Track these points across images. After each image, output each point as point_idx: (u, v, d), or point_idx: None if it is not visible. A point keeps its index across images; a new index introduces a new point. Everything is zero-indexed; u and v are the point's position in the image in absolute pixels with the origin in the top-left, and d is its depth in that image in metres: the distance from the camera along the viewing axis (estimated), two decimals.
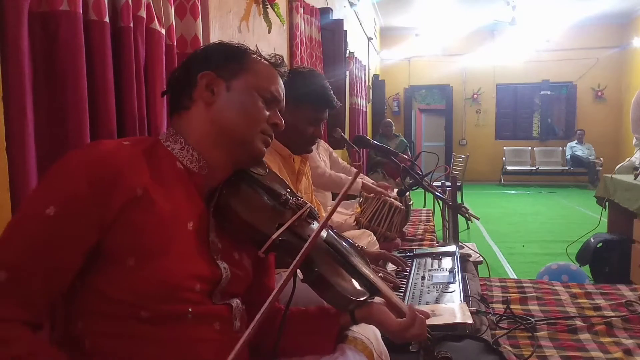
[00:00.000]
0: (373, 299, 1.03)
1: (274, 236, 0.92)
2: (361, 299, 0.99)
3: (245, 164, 1.02)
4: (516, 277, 3.50)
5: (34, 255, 0.76)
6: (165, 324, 0.85)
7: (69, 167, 0.81)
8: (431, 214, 4.20)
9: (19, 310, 0.75)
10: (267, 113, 0.99)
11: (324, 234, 1.05)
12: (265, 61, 1.03)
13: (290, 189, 1.09)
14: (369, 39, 8.52)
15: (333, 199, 2.99)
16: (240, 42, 1.05)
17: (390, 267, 1.92)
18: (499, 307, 1.99)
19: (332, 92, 1.75)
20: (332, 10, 4.61)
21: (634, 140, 4.69)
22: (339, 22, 4.65)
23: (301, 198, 1.07)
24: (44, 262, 0.76)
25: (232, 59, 0.98)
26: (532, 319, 1.85)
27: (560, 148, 10.84)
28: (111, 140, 0.92)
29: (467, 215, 2.05)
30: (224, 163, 0.97)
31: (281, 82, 1.04)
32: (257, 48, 1.06)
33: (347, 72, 5.54)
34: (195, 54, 1.02)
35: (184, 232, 0.88)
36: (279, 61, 1.06)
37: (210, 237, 0.93)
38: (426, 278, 1.76)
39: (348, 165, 3.49)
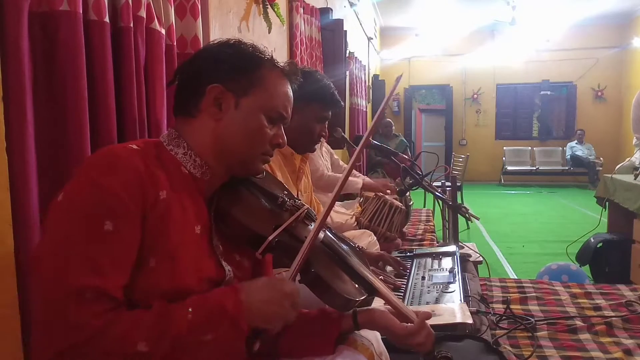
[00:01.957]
0: (372, 299, 1.03)
1: (270, 238, 0.93)
2: (358, 298, 1.00)
3: (242, 176, 1.04)
4: (516, 277, 3.50)
5: (111, 272, 0.78)
6: None
7: (99, 179, 0.80)
8: (431, 214, 4.20)
9: (117, 313, 0.78)
10: (271, 133, 0.98)
11: (321, 235, 1.05)
12: (278, 70, 0.99)
13: (287, 191, 1.10)
14: (369, 39, 8.52)
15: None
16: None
17: (390, 267, 1.92)
18: (499, 307, 1.99)
19: (336, 92, 1.81)
20: (332, 10, 4.61)
21: (634, 140, 4.69)
22: (339, 22, 4.65)
23: (299, 200, 1.08)
24: (120, 274, 0.79)
25: (245, 71, 0.95)
26: (532, 319, 1.85)
27: (560, 148, 10.83)
28: (119, 145, 0.92)
29: (467, 215, 2.05)
30: (223, 173, 0.98)
31: (290, 94, 1.02)
32: (272, 53, 1.02)
33: (347, 72, 5.54)
34: (207, 55, 0.97)
35: (193, 236, 0.90)
36: (293, 69, 1.02)
37: (214, 240, 0.95)
38: (426, 278, 1.76)
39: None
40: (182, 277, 0.86)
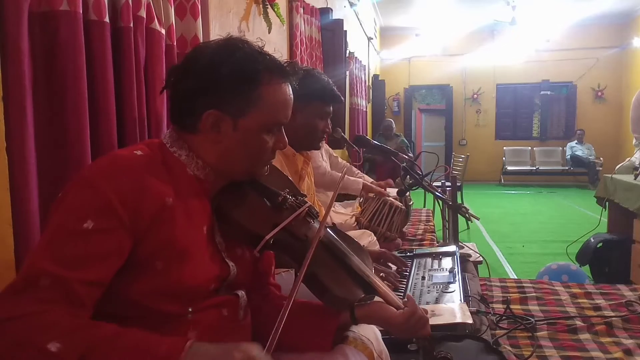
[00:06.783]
0: (371, 298, 1.03)
1: (267, 237, 0.94)
2: (355, 300, 1.00)
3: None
4: (516, 277, 3.50)
5: (77, 266, 0.77)
6: (175, 315, 0.89)
7: (95, 182, 0.82)
8: (431, 214, 4.19)
9: (64, 308, 0.75)
10: (272, 143, 0.98)
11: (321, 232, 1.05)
12: (277, 78, 0.95)
13: (291, 187, 1.10)
14: (369, 39, 8.52)
15: (336, 200, 2.98)
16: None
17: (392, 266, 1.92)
18: (499, 307, 1.99)
19: (335, 88, 1.83)
20: (332, 10, 4.61)
21: (634, 140, 4.69)
22: (339, 22, 4.65)
23: (300, 197, 1.07)
24: (86, 271, 0.78)
25: (241, 92, 0.92)
26: (532, 319, 1.85)
27: (560, 148, 10.83)
28: (124, 150, 0.92)
29: (467, 215, 2.05)
30: (225, 178, 1.00)
31: (290, 97, 0.99)
32: (271, 55, 0.97)
33: (347, 72, 5.54)
34: (202, 73, 0.91)
35: (201, 236, 0.93)
36: (293, 71, 1.00)
37: (217, 238, 0.97)
38: (426, 278, 1.76)
39: (348, 164, 3.48)
40: (190, 277, 0.88)
